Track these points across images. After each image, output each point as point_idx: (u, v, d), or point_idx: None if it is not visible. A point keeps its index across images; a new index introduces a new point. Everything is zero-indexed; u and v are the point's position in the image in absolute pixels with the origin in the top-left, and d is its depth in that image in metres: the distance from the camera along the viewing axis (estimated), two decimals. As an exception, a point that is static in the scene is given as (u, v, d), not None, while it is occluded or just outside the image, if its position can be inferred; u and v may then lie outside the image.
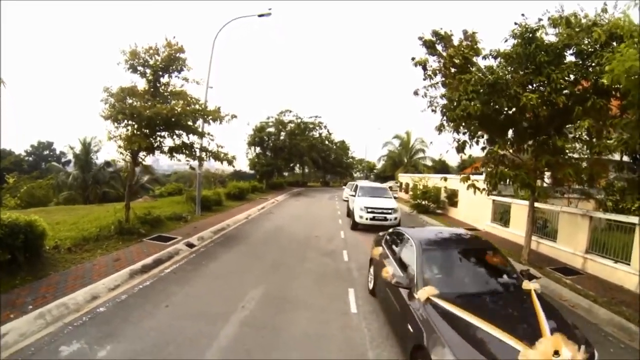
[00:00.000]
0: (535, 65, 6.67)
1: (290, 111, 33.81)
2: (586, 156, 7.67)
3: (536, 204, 8.73)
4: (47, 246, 6.52)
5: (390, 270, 4.52)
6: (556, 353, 2.85)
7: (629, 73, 4.79)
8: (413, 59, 7.93)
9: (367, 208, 12.40)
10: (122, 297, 5.36)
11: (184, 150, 10.01)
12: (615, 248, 7.26)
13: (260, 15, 14.53)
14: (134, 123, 8.86)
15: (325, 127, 40.56)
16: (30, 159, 47.68)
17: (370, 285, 5.98)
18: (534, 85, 6.92)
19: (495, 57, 7.48)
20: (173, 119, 9.09)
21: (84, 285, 5.35)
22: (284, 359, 3.91)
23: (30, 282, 5.25)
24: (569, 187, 9.29)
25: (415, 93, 8.28)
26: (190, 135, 10.16)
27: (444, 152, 9.02)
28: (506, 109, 7.29)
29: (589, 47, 6.59)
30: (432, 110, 8.24)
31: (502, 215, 12.25)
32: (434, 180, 19.43)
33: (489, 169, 8.05)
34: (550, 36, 6.93)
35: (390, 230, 6.24)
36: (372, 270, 6.05)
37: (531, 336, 3.04)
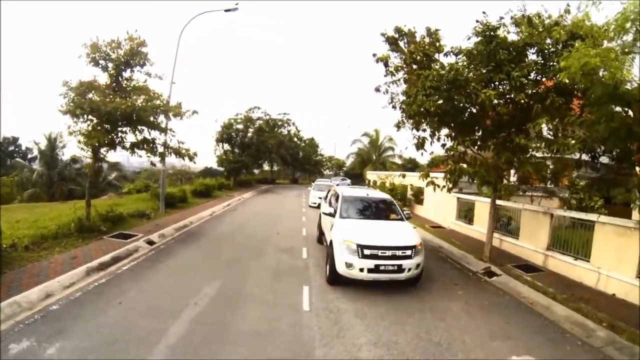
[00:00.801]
0: (496, 63, 6.69)
1: (259, 108, 33.26)
2: (549, 155, 7.63)
3: (499, 202, 8.75)
4: (3, 245, 6.45)
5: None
6: None
7: (584, 70, 4.78)
8: (374, 55, 7.93)
9: (361, 247, 6.08)
10: (76, 294, 5.36)
11: (145, 146, 9.91)
12: (576, 245, 7.37)
13: (226, 11, 14.30)
14: (93, 118, 8.78)
15: (293, 124, 40.42)
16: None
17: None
18: (495, 83, 6.93)
19: (456, 54, 7.46)
20: (134, 114, 9.03)
21: (39, 284, 5.33)
22: (228, 359, 3.96)
23: (-16, 281, 5.13)
24: (531, 185, 9.38)
25: (377, 89, 8.28)
26: (152, 131, 10.08)
27: (404, 149, 9.65)
28: (467, 105, 7.30)
29: (550, 46, 6.67)
30: (393, 107, 8.23)
31: (466, 213, 12.35)
32: (400, 178, 20.09)
33: (448, 166, 8.02)
34: (512, 35, 6.99)
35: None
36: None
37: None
